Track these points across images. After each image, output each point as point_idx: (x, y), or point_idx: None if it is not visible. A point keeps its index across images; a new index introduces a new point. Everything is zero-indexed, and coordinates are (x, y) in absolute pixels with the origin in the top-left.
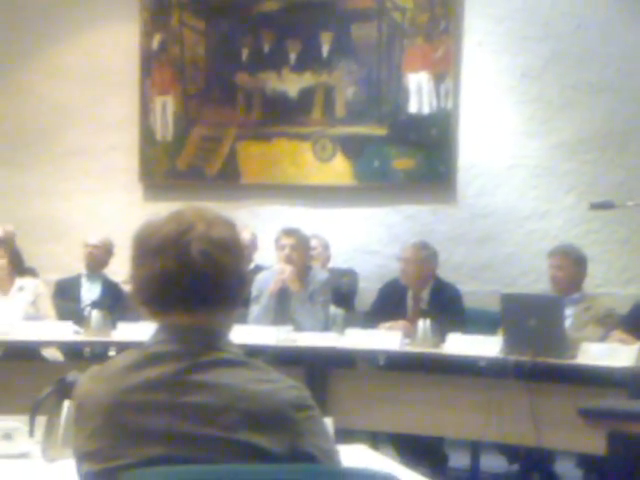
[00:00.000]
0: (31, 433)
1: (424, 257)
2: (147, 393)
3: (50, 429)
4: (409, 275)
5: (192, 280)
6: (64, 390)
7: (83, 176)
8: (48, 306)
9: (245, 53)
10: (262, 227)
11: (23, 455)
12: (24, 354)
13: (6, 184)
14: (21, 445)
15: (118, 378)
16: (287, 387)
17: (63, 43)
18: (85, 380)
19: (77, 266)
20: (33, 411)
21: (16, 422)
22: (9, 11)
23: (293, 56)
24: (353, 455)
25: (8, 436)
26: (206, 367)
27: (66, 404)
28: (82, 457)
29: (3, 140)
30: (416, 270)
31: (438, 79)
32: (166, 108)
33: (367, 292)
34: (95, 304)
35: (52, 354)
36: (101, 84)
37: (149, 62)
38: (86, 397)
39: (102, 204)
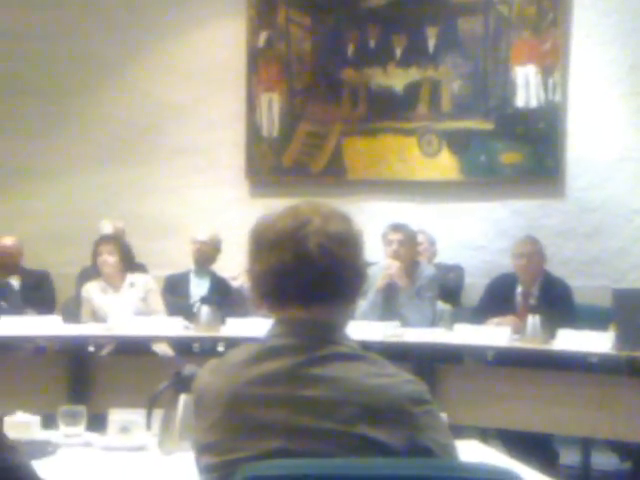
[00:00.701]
0: (148, 426)
1: (539, 251)
2: (265, 386)
3: (167, 422)
4: (527, 270)
5: (309, 274)
6: (180, 384)
7: (190, 173)
8: (158, 302)
9: (351, 48)
10: (368, 223)
11: (140, 448)
12: (135, 349)
13: (115, 181)
14: (138, 438)
15: (237, 371)
16: (404, 381)
17: (171, 41)
18: (204, 373)
19: (185, 262)
20: (150, 404)
21: (134, 415)
22: (117, 11)
23: (399, 51)
24: (466, 450)
25: (126, 429)
26: (323, 361)
27: (182, 398)
28: (201, 449)
29: (113, 138)
30: (534, 264)
31: (546, 72)
32: (272, 104)
33: (473, 288)
34: (204, 300)
35: (162, 349)
36: (208, 81)
37: (255, 59)
38: (205, 390)
39: (209, 200)
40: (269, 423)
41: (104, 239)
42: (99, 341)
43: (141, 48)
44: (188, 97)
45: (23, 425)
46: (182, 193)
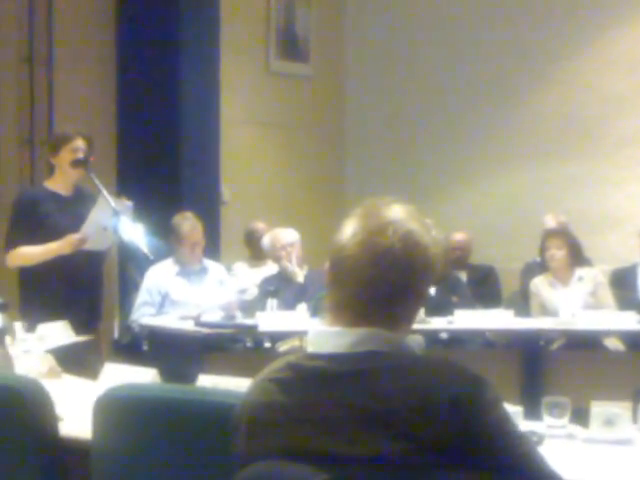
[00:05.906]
0: (634, 420)
1: None
2: None
3: None
4: None
5: None
6: None
7: (634, 165)
8: (608, 296)
9: None
10: None
11: (625, 441)
12: (585, 343)
13: (559, 175)
14: (623, 431)
15: None
16: None
17: (612, 31)
18: None
19: (631, 255)
20: (635, 398)
21: (618, 408)
22: (557, 2)
23: None
24: None
25: (610, 422)
26: None
27: None
28: None
29: (556, 132)
30: None
31: None
32: None
33: None
34: None
35: (613, 344)
36: None
37: None
38: None
39: None
40: None
41: (552, 233)
42: (550, 335)
43: (582, 39)
44: (630, 87)
45: None
46: (626, 185)
